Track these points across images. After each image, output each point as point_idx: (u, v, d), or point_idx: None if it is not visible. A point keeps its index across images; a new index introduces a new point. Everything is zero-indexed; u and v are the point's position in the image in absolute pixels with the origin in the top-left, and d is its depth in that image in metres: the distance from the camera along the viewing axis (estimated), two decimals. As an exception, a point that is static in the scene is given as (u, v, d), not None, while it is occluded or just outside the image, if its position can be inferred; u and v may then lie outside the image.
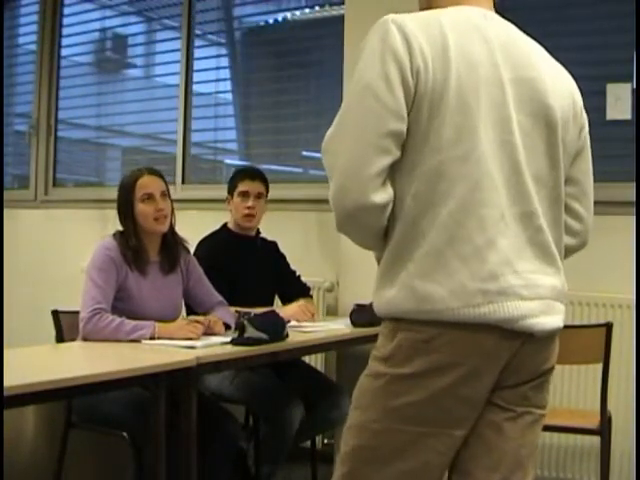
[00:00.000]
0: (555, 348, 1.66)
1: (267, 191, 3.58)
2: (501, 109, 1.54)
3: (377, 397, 1.56)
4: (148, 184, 2.97)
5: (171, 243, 3.05)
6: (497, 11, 1.68)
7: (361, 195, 1.49)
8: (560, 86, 1.64)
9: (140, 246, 2.95)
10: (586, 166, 1.74)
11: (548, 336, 1.60)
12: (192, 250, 3.25)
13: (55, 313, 3.04)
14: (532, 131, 1.58)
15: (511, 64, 1.57)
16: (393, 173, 1.53)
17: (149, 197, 2.95)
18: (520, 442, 1.61)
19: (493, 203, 1.52)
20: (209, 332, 2.88)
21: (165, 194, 3.00)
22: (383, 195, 1.51)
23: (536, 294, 1.55)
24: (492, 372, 1.55)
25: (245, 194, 3.51)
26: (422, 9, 1.66)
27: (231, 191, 3.55)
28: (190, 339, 2.77)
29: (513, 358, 1.55)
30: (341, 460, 1.60)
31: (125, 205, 2.97)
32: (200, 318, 2.93)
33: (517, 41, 1.62)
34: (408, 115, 1.50)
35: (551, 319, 1.58)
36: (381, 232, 1.57)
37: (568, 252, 1.74)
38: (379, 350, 1.58)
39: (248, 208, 3.49)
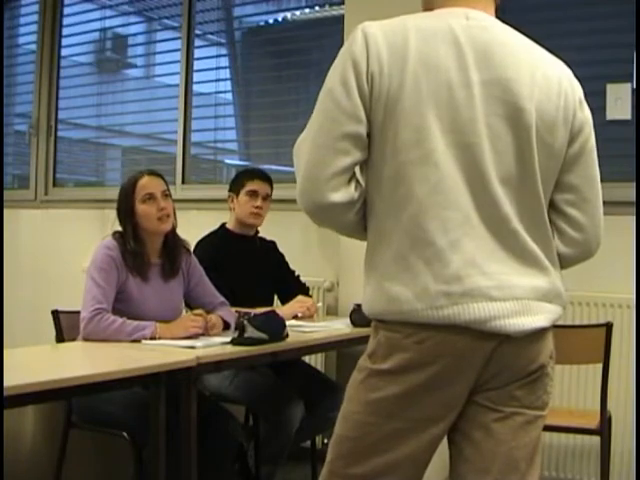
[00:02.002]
0: (543, 347, 1.62)
1: (272, 194, 3.59)
2: (466, 111, 1.53)
3: (358, 390, 1.61)
4: (148, 184, 2.96)
5: (172, 245, 3.05)
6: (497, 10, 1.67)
7: (319, 195, 1.55)
8: (544, 88, 1.59)
9: (140, 249, 2.94)
10: (586, 172, 1.67)
11: (528, 336, 1.57)
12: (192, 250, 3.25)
13: (55, 313, 3.04)
14: (504, 134, 1.55)
15: (485, 65, 1.55)
16: (366, 175, 1.60)
17: (150, 197, 2.94)
18: (512, 444, 1.60)
19: (455, 205, 1.52)
20: (207, 332, 2.88)
21: (166, 194, 2.99)
22: (343, 194, 1.55)
23: (510, 295, 1.54)
24: (467, 373, 1.56)
25: (254, 193, 3.51)
26: (425, 9, 1.67)
27: (237, 189, 3.54)
28: (192, 336, 2.79)
29: (491, 359, 1.55)
30: (329, 448, 1.66)
31: (125, 207, 2.96)
32: (199, 311, 2.93)
33: (498, 41, 1.59)
34: (368, 119, 1.54)
35: (529, 319, 1.56)
36: (355, 227, 1.63)
37: (569, 262, 1.70)
38: (368, 346, 1.63)
39: (256, 207, 3.49)
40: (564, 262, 1.69)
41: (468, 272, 1.51)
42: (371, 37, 1.54)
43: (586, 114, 1.67)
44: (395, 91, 1.52)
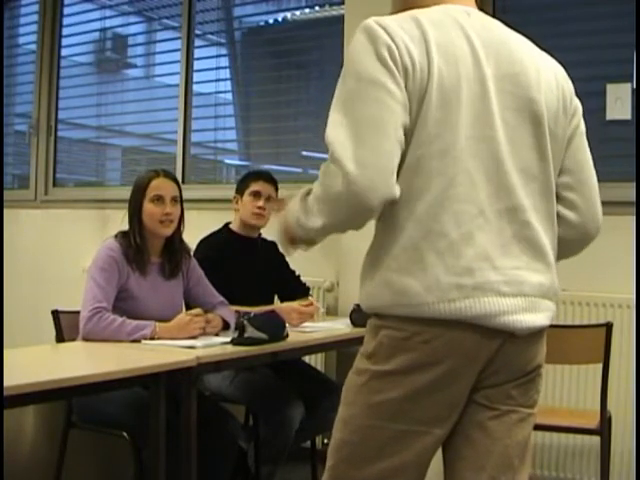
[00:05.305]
0: (541, 347, 1.64)
1: (276, 196, 3.59)
2: (482, 105, 1.54)
3: (360, 393, 1.58)
4: (160, 186, 2.98)
5: (176, 249, 3.05)
6: (485, 9, 1.68)
7: (388, 189, 1.47)
8: (546, 80, 1.63)
9: (142, 245, 2.95)
10: (580, 154, 1.71)
11: (531, 335, 1.58)
12: (193, 249, 3.25)
13: (55, 313, 3.04)
14: (518, 126, 1.57)
15: (494, 60, 1.57)
16: None
17: (159, 199, 2.96)
18: (507, 442, 1.61)
19: (470, 199, 1.51)
20: (205, 330, 2.89)
21: (176, 199, 3.01)
22: (398, 188, 1.50)
23: (519, 291, 1.54)
24: (471, 372, 1.55)
25: (257, 194, 3.52)
26: (398, 10, 1.63)
27: (241, 190, 3.55)
28: (192, 336, 2.80)
29: (494, 357, 1.55)
30: (329, 453, 1.64)
31: (134, 204, 2.99)
32: (197, 311, 2.93)
33: (500, 37, 1.62)
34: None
35: (535, 317, 1.56)
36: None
37: (569, 246, 1.72)
38: (364, 347, 1.60)
39: (259, 208, 3.50)
40: (565, 248, 1.70)
41: (480, 265, 1.50)
42: (393, 30, 1.51)
43: (577, 101, 1.73)
44: (424, 86, 1.50)
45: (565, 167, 1.69)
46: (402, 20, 1.55)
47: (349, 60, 1.54)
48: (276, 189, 3.59)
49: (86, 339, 2.78)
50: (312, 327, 3.28)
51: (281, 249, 1.75)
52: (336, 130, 1.49)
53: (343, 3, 4.04)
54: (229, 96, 4.98)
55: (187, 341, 2.74)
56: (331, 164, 1.48)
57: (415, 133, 1.51)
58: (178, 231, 3.05)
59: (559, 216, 1.68)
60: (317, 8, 4.66)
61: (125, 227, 3.00)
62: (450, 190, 1.50)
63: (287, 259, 3.74)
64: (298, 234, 1.61)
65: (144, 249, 2.96)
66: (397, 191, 1.49)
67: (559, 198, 1.68)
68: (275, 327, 2.81)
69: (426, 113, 1.50)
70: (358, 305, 3.27)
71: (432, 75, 1.50)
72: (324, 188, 1.51)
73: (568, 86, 1.70)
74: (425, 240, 1.50)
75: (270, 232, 3.68)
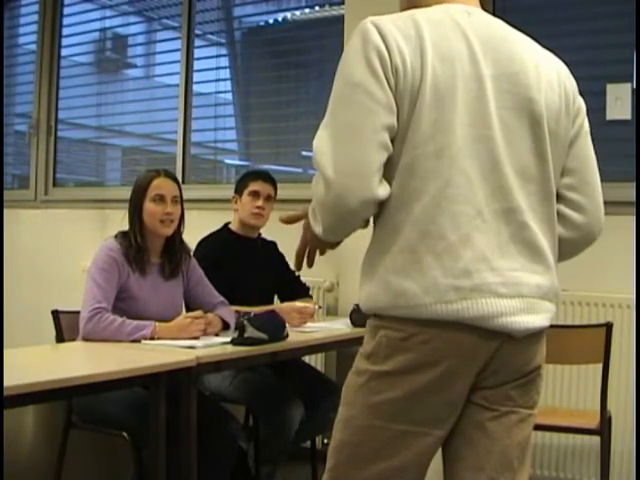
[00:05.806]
0: (540, 348, 1.64)
1: (275, 196, 3.60)
2: (479, 104, 1.53)
3: (359, 393, 1.58)
4: (162, 186, 2.99)
5: (176, 249, 3.06)
6: (485, 9, 1.68)
7: (367, 192, 1.49)
8: (548, 79, 1.62)
9: (142, 245, 2.96)
10: (583, 154, 1.70)
11: (530, 336, 1.58)
12: (193, 249, 3.25)
13: (55, 313, 3.04)
14: (516, 126, 1.56)
15: (492, 60, 1.56)
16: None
17: (160, 198, 2.97)
18: (507, 442, 1.60)
19: (467, 200, 1.51)
20: (205, 331, 2.89)
21: (177, 200, 3.01)
22: (384, 188, 1.52)
23: (516, 292, 1.54)
24: (469, 372, 1.55)
25: (256, 194, 3.52)
26: (403, 9, 1.65)
27: (240, 190, 3.56)
28: (195, 337, 2.80)
29: (492, 358, 1.55)
30: (329, 453, 1.63)
31: (135, 203, 2.99)
32: (198, 313, 2.93)
33: (500, 36, 1.61)
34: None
35: (533, 318, 1.56)
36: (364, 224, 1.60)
37: (571, 247, 1.71)
38: (364, 347, 1.61)
39: (258, 207, 3.51)
40: (567, 248, 1.69)
41: (477, 267, 1.50)
42: (386, 30, 1.52)
43: (581, 100, 1.72)
44: (417, 85, 1.50)
45: (569, 167, 1.68)
46: (398, 19, 1.56)
47: (343, 61, 1.57)
48: (275, 189, 3.60)
49: (86, 339, 2.78)
50: (312, 327, 3.28)
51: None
52: (320, 138, 1.54)
53: (343, 3, 4.05)
54: (229, 96, 4.98)
55: (187, 341, 2.75)
56: (316, 171, 1.54)
57: (409, 134, 1.51)
58: (178, 231, 3.06)
59: (564, 217, 1.67)
60: (317, 8, 4.66)
61: (125, 227, 3.01)
62: (447, 191, 1.50)
63: (287, 259, 3.74)
64: (321, 241, 1.63)
65: (144, 249, 2.97)
66: (381, 192, 1.50)
67: (563, 199, 1.67)
68: (275, 327, 2.81)
69: (420, 113, 1.50)
70: (358, 305, 3.26)
71: (426, 74, 1.50)
72: (314, 195, 1.56)
73: (571, 85, 1.69)
74: (423, 242, 1.51)
75: (270, 232, 3.69)
